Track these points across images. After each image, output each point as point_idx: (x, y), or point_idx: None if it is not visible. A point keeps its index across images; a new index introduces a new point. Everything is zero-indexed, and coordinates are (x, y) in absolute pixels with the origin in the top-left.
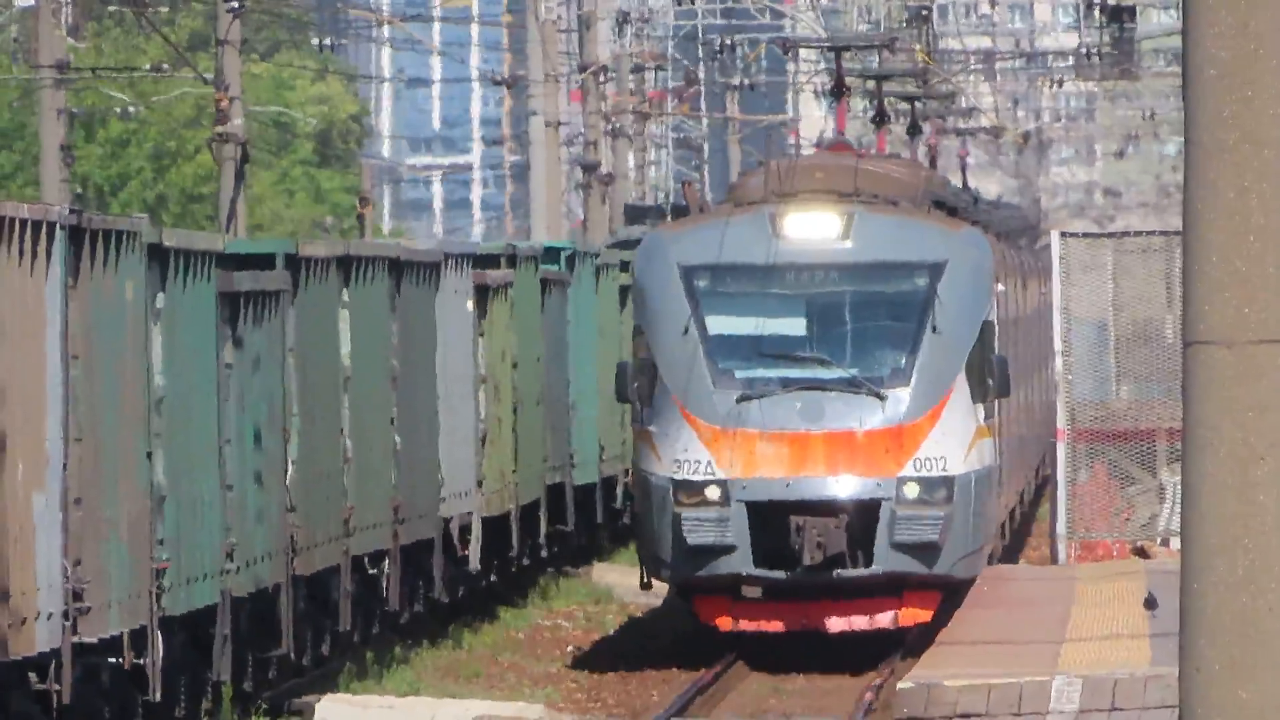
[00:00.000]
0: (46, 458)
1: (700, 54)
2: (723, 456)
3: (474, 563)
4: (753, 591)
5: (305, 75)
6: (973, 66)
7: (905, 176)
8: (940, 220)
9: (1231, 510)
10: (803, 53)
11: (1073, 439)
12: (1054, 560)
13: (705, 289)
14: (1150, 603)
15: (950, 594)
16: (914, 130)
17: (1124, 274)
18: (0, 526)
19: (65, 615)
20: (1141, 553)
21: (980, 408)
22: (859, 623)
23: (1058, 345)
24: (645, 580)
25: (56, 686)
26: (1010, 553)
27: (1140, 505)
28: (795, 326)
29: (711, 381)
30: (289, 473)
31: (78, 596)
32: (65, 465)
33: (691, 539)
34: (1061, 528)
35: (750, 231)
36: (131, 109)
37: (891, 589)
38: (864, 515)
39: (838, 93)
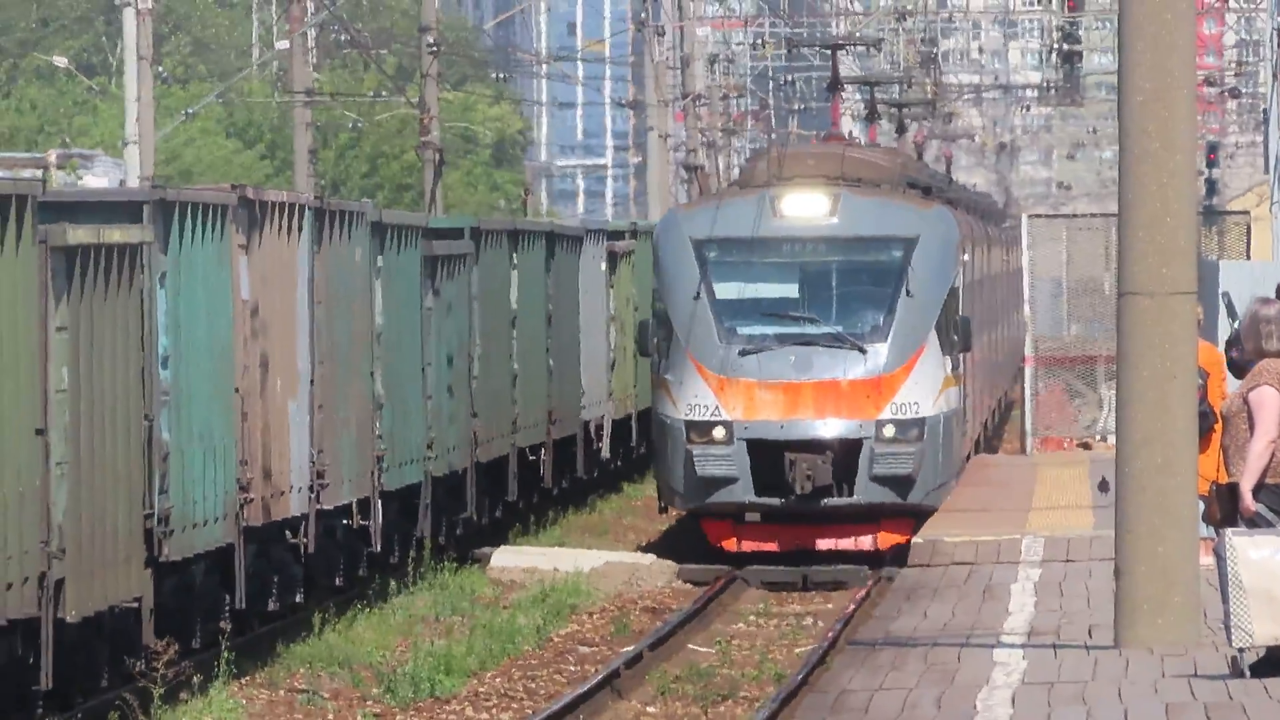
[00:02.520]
0: (298, 375)
1: (770, 86)
2: (727, 401)
3: (605, 451)
4: (753, 516)
5: (484, 100)
6: (965, 95)
7: (885, 162)
8: (914, 200)
9: (1151, 415)
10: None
11: (1036, 363)
12: (1023, 451)
13: (713, 259)
14: (1103, 486)
15: (922, 519)
16: (901, 129)
17: (1073, 245)
18: (264, 424)
19: (311, 488)
20: (1086, 446)
21: (948, 360)
22: (844, 543)
23: (1026, 295)
24: (662, 506)
25: (305, 540)
26: (990, 445)
27: (1084, 412)
28: (789, 291)
29: (718, 338)
30: (473, 386)
31: (320, 475)
32: (312, 381)
33: (701, 471)
34: (1028, 427)
35: (751, 210)
36: (357, 124)
37: (871, 516)
38: (847, 452)
39: (832, 88)
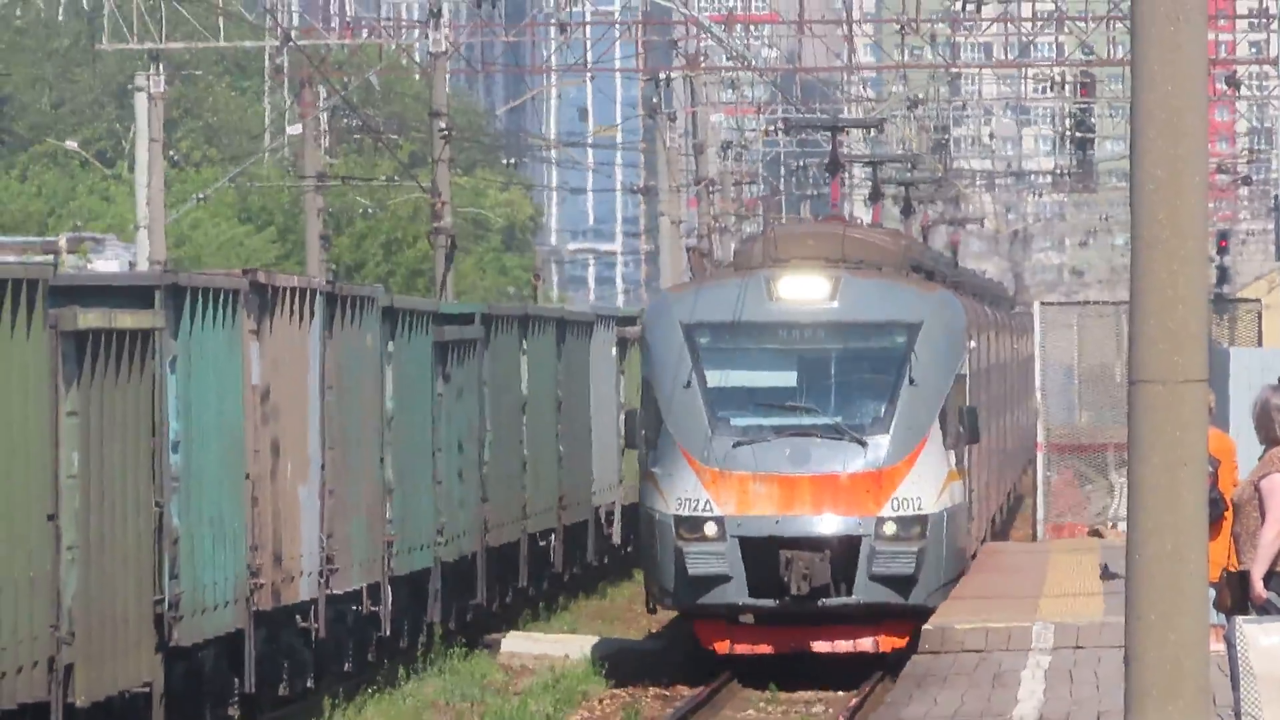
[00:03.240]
0: (308, 459)
1: (780, 171)
2: (720, 496)
3: (616, 537)
4: (747, 618)
5: (495, 185)
6: (979, 181)
7: (887, 244)
8: (918, 284)
9: (1162, 503)
10: (854, 169)
11: (1048, 450)
12: (1034, 538)
13: (705, 344)
14: (1105, 573)
15: (924, 621)
16: (907, 211)
17: (1085, 332)
18: (275, 509)
19: (321, 573)
20: (1097, 533)
21: (952, 453)
22: (842, 646)
23: (1038, 383)
24: (651, 606)
25: (315, 625)
26: (1002, 533)
27: (1095, 499)
28: (786, 379)
29: (710, 428)
30: (483, 472)
31: (330, 560)
32: (323, 466)
33: (692, 570)
34: (1040, 514)
35: (747, 293)
36: (370, 209)
37: (871, 617)
38: (846, 550)
39: (832, 169)
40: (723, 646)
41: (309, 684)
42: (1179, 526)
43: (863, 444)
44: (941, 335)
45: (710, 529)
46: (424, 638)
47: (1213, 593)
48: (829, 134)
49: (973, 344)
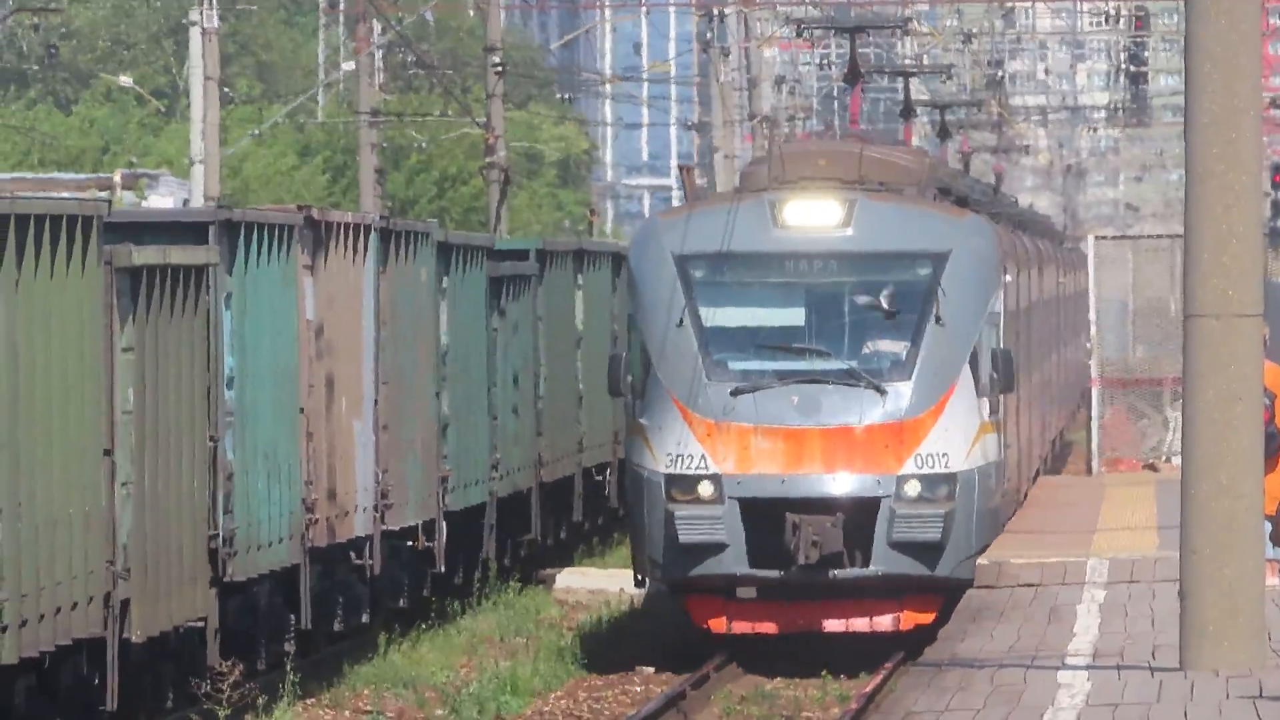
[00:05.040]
0: (363, 395)
1: (834, 107)
2: (716, 452)
3: None
4: (747, 592)
5: (550, 120)
6: (1033, 117)
7: (911, 164)
8: (945, 209)
9: (1217, 437)
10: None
11: (1102, 385)
12: (1089, 472)
13: (700, 278)
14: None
15: (953, 596)
16: (944, 134)
17: (1139, 267)
18: (329, 445)
19: (376, 509)
20: (1151, 467)
21: (985, 402)
22: (858, 624)
23: (1092, 317)
24: (639, 578)
25: (370, 561)
26: (1055, 467)
27: (1150, 433)
28: (793, 317)
29: (706, 374)
30: (538, 407)
31: (384, 496)
32: (377, 401)
33: (684, 537)
34: (1094, 448)
35: (748, 219)
36: (424, 145)
37: (891, 591)
38: (862, 514)
39: (851, 79)
40: (719, 625)
41: (364, 619)
42: (1234, 460)
43: (881, 392)
44: (972, 267)
45: (705, 489)
46: (479, 573)
47: (1269, 526)
48: (889, 75)
49: (1009, 278)
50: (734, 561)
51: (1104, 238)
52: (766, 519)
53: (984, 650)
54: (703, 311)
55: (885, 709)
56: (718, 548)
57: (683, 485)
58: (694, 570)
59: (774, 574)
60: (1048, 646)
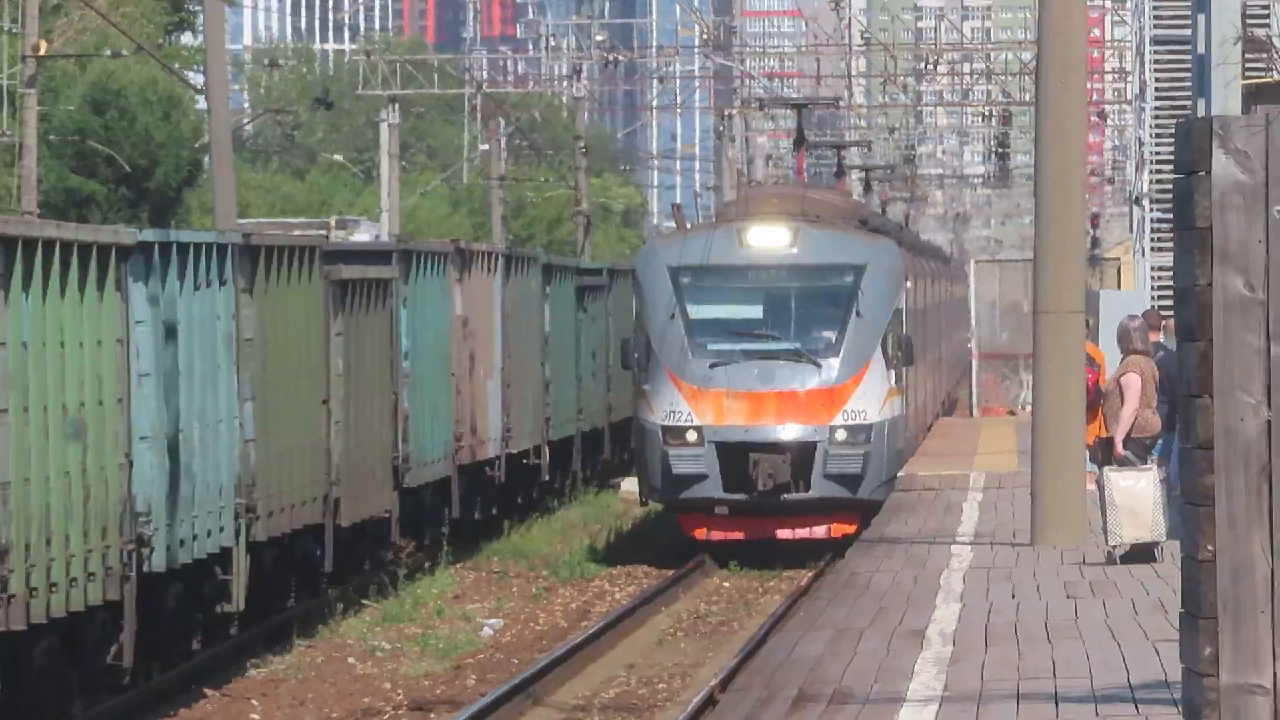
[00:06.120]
0: (494, 364)
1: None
2: (699, 409)
3: None
4: (721, 510)
5: (616, 183)
6: (932, 182)
7: (840, 203)
8: (864, 234)
9: (1053, 391)
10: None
11: (979, 358)
12: (971, 415)
13: (687, 283)
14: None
15: (869, 512)
16: (868, 188)
17: (1004, 279)
18: (472, 397)
19: (502, 439)
20: (1012, 413)
21: (892, 373)
22: (801, 533)
23: (973, 312)
24: (643, 500)
25: (498, 474)
26: (949, 412)
27: (1011, 390)
28: (754, 312)
29: (691, 353)
30: (608, 373)
31: (508, 430)
32: (502, 368)
33: (676, 470)
34: (974, 400)
35: (722, 241)
36: (534, 200)
37: (825, 509)
38: (804, 453)
39: (797, 144)
40: (701, 534)
41: (494, 512)
42: (1066, 408)
43: (818, 365)
44: (883, 276)
45: (691, 436)
46: (569, 481)
47: (1089, 453)
48: (836, 149)
49: (910, 285)
50: (712, 488)
51: (981, 261)
52: (735, 457)
53: (902, 532)
54: (689, 308)
55: (836, 570)
56: (700, 478)
57: (674, 433)
58: (683, 494)
59: (741, 497)
60: (944, 530)
